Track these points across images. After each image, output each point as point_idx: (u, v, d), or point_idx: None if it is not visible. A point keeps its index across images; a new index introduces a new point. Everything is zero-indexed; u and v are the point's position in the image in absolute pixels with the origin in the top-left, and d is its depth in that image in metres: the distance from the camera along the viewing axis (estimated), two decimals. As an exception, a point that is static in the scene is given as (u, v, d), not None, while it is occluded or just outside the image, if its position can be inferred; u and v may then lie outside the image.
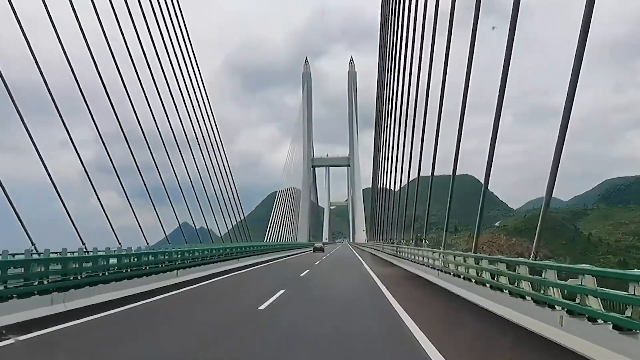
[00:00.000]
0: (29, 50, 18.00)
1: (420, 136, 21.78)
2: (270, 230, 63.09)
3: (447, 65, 16.26)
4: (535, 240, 10.03)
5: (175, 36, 30.93)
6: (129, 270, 14.08)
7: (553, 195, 9.74)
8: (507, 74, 11.45)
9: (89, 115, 21.53)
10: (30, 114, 17.47)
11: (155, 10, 29.03)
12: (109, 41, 23.63)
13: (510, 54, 11.30)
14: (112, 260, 13.63)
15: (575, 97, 8.75)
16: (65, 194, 19.01)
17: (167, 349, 7.11)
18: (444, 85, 16.28)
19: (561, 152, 9.13)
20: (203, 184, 34.71)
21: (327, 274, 23.32)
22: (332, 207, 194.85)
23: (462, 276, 13.36)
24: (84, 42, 21.78)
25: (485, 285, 10.88)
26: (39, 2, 19.08)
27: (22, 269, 9.77)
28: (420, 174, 23.03)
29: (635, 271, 5.59)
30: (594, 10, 8.33)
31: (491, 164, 12.35)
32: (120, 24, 24.62)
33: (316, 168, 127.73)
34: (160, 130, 28.51)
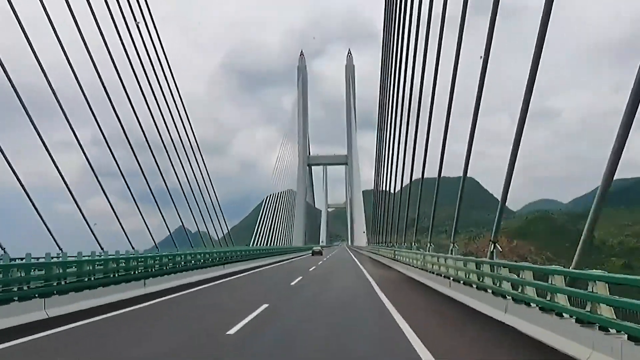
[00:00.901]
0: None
1: (425, 137, 21.36)
2: (258, 234, 61.49)
3: (457, 68, 15.89)
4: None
5: (157, 50, 30.23)
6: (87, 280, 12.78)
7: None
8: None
9: (67, 122, 21.64)
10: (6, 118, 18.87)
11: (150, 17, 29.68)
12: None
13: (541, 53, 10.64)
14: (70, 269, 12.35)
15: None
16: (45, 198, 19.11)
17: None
18: (453, 87, 15.97)
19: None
20: (191, 188, 33.73)
21: (322, 282, 22.21)
22: (330, 209, 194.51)
23: (490, 290, 11.15)
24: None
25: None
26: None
27: None
28: (422, 176, 22.85)
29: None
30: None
31: (511, 177, 11.91)
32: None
33: (312, 168, 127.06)
34: (147, 135, 28.11)
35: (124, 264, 14.88)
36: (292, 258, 52.47)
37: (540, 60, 10.47)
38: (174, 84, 32.49)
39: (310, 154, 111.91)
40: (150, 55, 29.76)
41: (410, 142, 25.39)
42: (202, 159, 35.75)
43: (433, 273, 17.84)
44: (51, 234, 20.06)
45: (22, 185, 18.90)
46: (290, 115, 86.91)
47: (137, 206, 26.70)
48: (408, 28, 26.09)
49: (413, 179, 26.31)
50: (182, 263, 19.94)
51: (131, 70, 27.61)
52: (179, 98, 32.96)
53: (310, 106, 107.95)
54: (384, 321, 10.45)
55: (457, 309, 12.38)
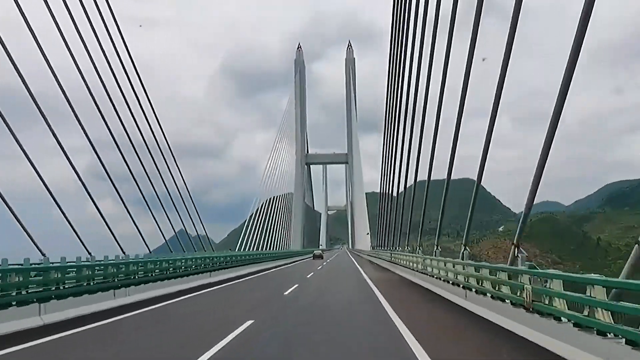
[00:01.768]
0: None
1: (432, 138, 20.15)
2: (250, 239, 58.71)
3: (469, 70, 15.13)
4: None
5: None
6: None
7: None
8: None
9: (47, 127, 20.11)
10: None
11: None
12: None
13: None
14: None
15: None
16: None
17: None
18: (465, 88, 15.25)
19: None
20: (177, 191, 31.63)
21: (320, 292, 19.91)
22: (330, 212, 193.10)
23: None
24: (69, 53, 21.75)
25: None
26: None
27: None
28: (429, 178, 21.57)
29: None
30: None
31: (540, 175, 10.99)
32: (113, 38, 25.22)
33: (312, 169, 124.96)
34: (132, 140, 26.51)
35: (75, 273, 12.54)
36: (289, 263, 50.22)
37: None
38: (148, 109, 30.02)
39: (309, 152, 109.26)
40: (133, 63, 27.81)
41: (418, 144, 23.97)
42: (174, 164, 33.26)
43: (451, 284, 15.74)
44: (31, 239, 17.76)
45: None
46: (287, 112, 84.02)
47: (128, 210, 25.21)
48: (414, 28, 25.16)
49: (417, 181, 25.35)
50: (157, 271, 17.57)
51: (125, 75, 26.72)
52: (147, 105, 30.40)
53: (308, 108, 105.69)
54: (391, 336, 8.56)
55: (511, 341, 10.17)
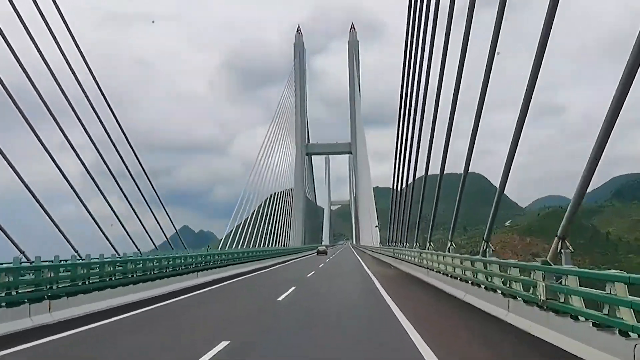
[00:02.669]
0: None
1: (446, 132, 19.62)
2: (242, 236, 55.63)
3: (491, 64, 14.61)
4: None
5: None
6: None
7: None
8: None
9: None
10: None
11: None
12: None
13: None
14: None
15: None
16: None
17: None
18: (487, 81, 14.80)
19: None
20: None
21: (321, 296, 17.13)
22: (333, 208, 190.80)
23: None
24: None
25: None
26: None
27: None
28: (442, 172, 21.26)
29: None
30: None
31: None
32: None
33: (313, 162, 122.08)
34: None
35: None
36: (288, 261, 47.40)
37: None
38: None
39: (310, 142, 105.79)
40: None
41: (430, 138, 23.74)
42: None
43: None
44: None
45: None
46: (285, 98, 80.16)
47: (112, 209, 24.81)
48: (433, 21, 24.27)
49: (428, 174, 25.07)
50: (119, 275, 14.78)
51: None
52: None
53: (308, 100, 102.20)
54: None
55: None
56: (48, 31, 21.17)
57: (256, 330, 10.23)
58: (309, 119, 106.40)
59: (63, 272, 12.23)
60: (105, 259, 14.87)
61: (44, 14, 20.79)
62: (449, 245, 18.50)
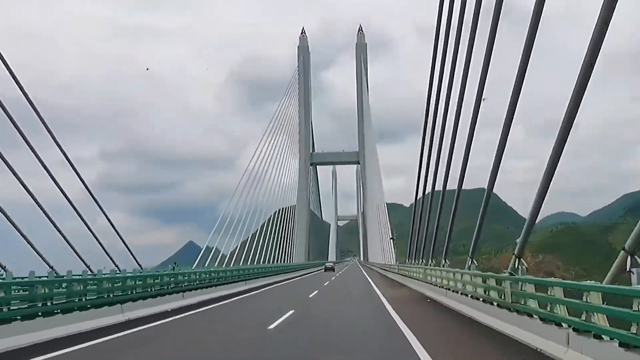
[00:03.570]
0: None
1: (466, 147, 19.13)
2: (243, 251, 52.15)
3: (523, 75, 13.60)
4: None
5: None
6: None
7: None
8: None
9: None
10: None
11: None
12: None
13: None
14: None
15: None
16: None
17: None
18: (518, 92, 13.89)
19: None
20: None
21: (321, 330, 13.97)
22: (340, 224, 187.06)
23: None
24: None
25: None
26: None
27: None
28: (460, 185, 20.73)
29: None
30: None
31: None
32: None
33: (319, 175, 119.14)
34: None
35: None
36: (289, 279, 44.08)
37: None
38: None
39: (315, 151, 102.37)
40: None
41: (449, 151, 22.62)
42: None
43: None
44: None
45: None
46: (286, 105, 76.81)
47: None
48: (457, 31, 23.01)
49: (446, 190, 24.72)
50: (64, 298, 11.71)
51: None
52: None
53: (313, 111, 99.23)
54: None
55: None
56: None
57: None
58: (314, 129, 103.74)
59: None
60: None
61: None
62: (469, 262, 17.22)
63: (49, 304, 11.28)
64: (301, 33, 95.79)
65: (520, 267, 12.95)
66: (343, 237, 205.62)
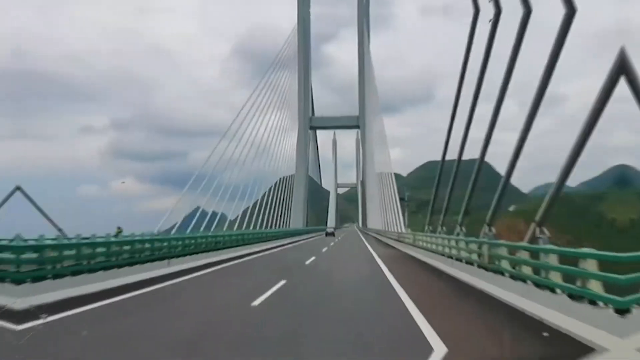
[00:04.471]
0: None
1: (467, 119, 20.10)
2: (245, 216, 51.69)
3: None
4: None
5: None
6: None
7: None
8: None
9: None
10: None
11: None
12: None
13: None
14: None
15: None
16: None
17: None
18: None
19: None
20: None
21: (318, 298, 13.18)
22: (340, 191, 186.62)
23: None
24: None
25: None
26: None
27: None
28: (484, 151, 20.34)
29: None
30: None
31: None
32: None
33: (319, 146, 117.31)
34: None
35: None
36: (286, 244, 43.50)
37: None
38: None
39: (314, 114, 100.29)
40: None
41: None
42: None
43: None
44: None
45: None
46: (286, 58, 73.65)
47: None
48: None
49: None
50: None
51: None
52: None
53: (312, 74, 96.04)
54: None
55: None
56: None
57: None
58: (314, 92, 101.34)
59: None
60: None
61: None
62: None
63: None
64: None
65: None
66: (343, 205, 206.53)
